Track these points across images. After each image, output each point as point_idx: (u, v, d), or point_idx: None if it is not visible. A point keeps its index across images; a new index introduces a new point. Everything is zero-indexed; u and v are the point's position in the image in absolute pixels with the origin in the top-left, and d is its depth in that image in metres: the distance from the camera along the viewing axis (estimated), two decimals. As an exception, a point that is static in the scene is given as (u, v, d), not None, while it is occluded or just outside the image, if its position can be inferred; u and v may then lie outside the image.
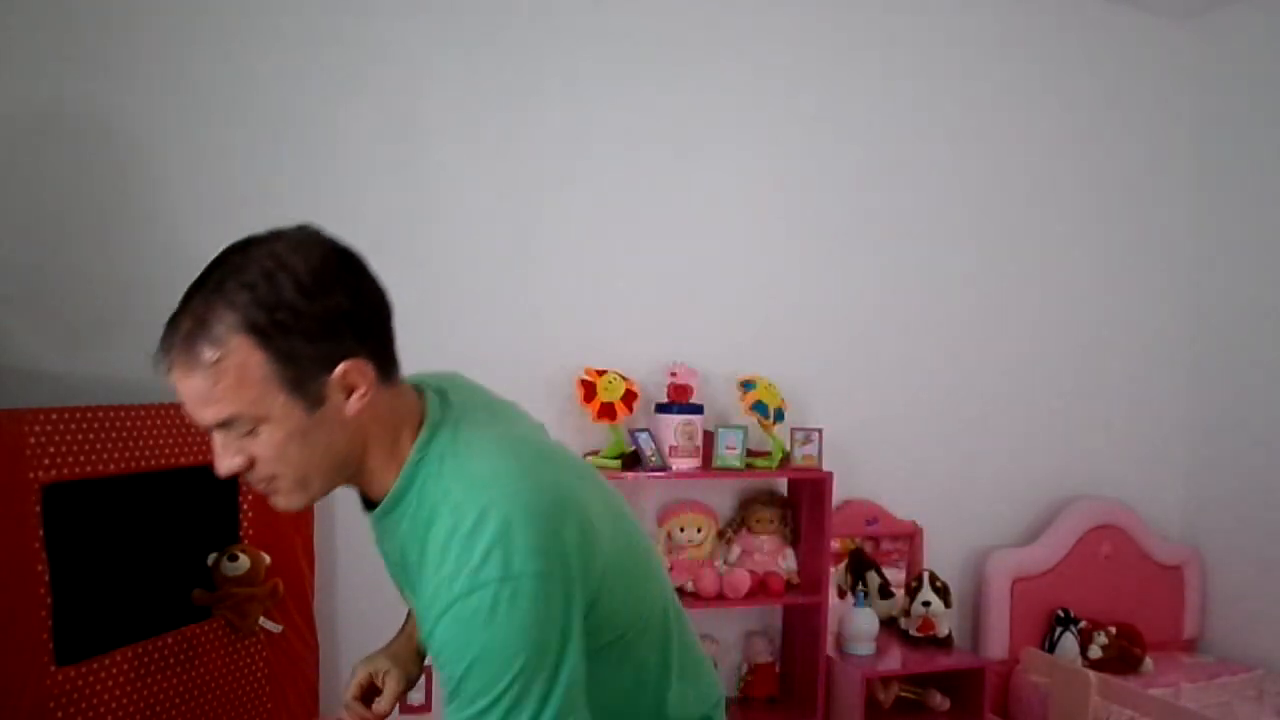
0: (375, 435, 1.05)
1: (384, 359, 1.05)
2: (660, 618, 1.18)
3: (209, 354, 0.94)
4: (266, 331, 0.94)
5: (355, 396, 1.01)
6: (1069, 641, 3.01)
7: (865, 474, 3.02)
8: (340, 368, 0.99)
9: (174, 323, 0.97)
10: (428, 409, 1.09)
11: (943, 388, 3.15)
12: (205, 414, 0.97)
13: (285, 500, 1.05)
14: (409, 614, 1.36)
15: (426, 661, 1.30)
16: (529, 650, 0.94)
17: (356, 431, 1.03)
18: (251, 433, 0.98)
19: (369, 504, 1.12)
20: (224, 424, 0.98)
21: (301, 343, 0.96)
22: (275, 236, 1.00)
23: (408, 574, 1.09)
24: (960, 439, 3.18)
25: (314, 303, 0.97)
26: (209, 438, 1.02)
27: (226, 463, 1.00)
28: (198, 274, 0.99)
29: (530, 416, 1.27)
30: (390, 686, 1.28)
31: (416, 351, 2.81)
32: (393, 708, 1.28)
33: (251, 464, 1.00)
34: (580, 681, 0.99)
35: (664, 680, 1.18)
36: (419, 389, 1.12)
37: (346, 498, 1.28)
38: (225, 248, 1.00)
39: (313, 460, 1.01)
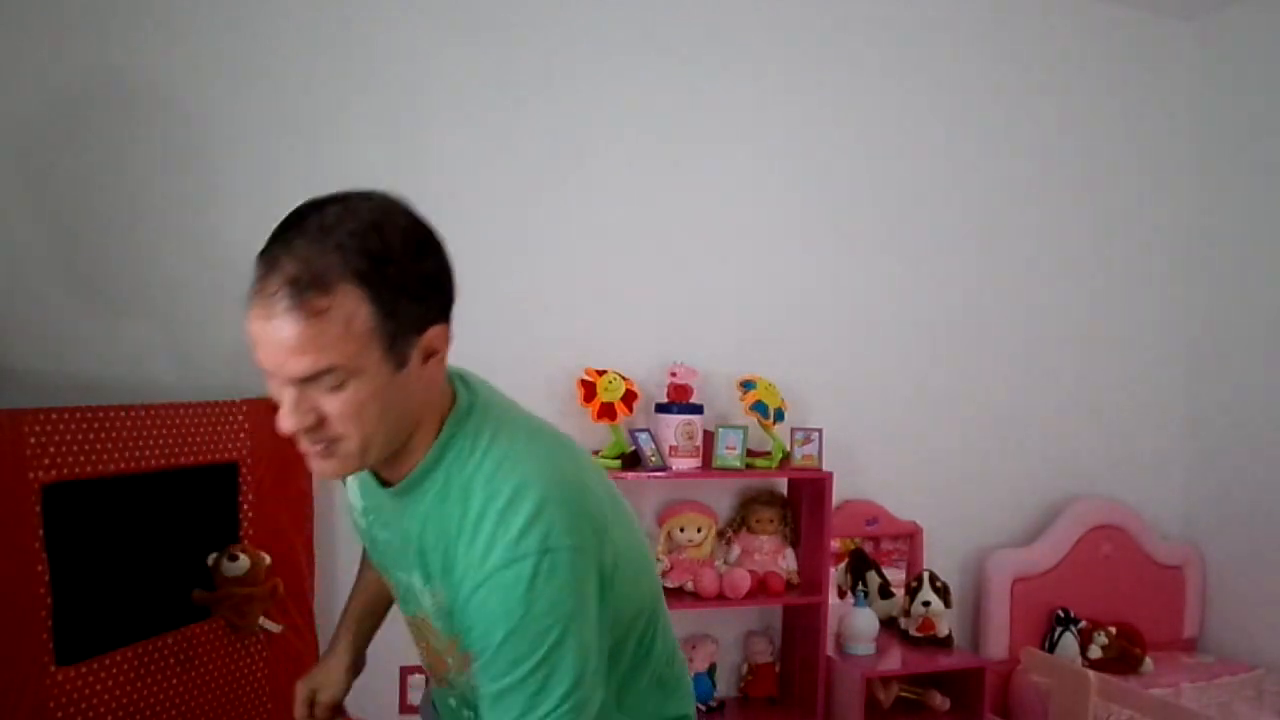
0: (427, 406, 1.03)
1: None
2: (649, 617, 1.17)
3: (319, 302, 0.88)
4: (377, 284, 0.91)
5: (434, 360, 0.99)
6: (1069, 641, 3.01)
7: (865, 474, 3.02)
8: (430, 331, 0.97)
9: (274, 265, 0.89)
10: (456, 390, 1.08)
11: (943, 388, 3.15)
12: (298, 364, 0.90)
13: (339, 464, 0.98)
14: (342, 629, 1.41)
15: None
16: (564, 621, 0.96)
17: (419, 399, 1.01)
18: (338, 388, 0.92)
19: (382, 482, 1.10)
20: (312, 377, 0.91)
21: (406, 300, 0.94)
22: (364, 195, 0.96)
23: (421, 555, 1.06)
24: (960, 439, 3.18)
25: (419, 262, 0.95)
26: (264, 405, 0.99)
27: (296, 419, 0.94)
28: (280, 222, 0.93)
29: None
30: (324, 700, 1.37)
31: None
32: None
33: (321, 423, 0.94)
34: (606, 655, 1.02)
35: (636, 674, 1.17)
36: None
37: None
38: (307, 201, 0.95)
39: (384, 423, 0.97)
